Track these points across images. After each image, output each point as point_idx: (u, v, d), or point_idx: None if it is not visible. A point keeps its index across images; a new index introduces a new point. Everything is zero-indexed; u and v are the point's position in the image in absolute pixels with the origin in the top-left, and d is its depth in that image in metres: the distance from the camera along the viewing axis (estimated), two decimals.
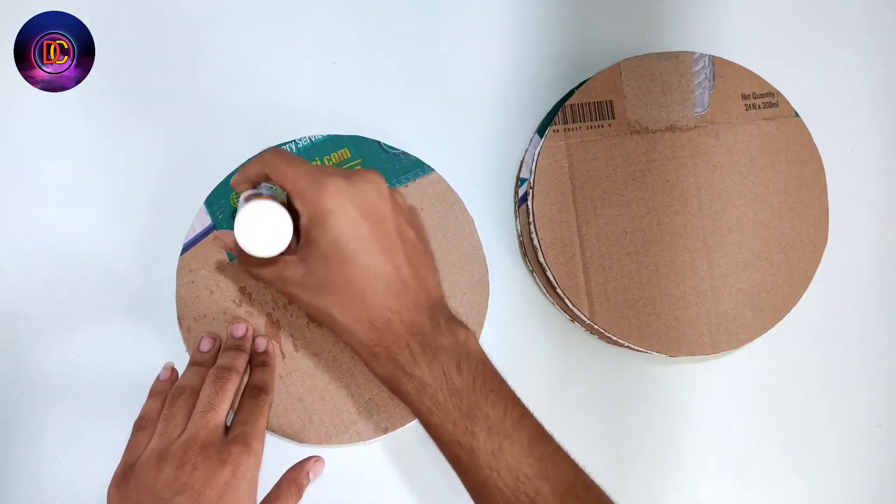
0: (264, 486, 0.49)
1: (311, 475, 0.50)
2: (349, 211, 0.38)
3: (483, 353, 0.40)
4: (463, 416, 0.38)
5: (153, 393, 0.49)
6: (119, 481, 0.43)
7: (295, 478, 0.50)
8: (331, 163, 0.53)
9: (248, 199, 0.39)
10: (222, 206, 0.52)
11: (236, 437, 0.44)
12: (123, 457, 0.45)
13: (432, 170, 0.53)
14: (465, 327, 0.40)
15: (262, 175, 0.41)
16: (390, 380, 0.40)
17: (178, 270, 0.51)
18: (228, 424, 0.46)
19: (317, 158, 0.52)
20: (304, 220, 0.39)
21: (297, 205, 0.39)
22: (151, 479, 0.42)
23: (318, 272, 0.39)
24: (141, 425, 0.46)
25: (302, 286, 0.40)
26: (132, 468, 0.43)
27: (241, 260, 0.42)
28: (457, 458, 0.38)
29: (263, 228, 0.38)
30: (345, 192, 0.38)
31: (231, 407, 0.47)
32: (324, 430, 0.51)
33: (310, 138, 0.53)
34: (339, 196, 0.38)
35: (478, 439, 0.37)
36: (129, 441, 0.46)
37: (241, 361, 0.49)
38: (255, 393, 0.48)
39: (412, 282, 0.39)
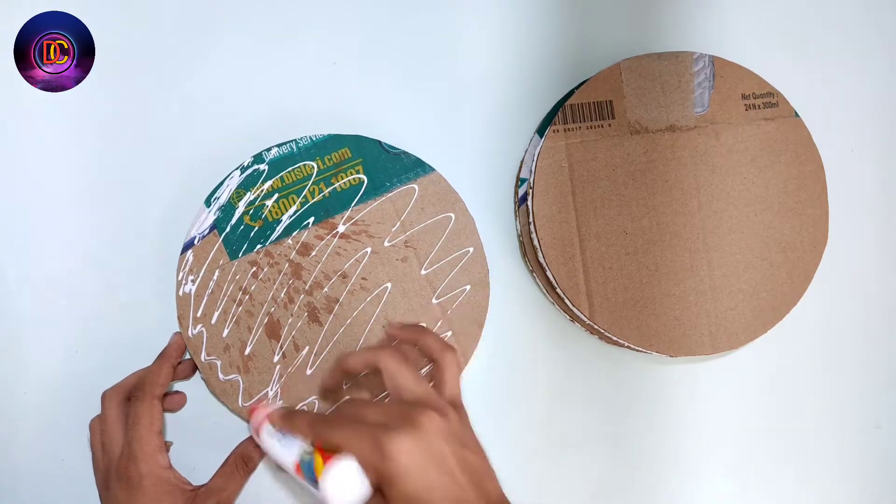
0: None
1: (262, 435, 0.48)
2: (417, 468, 0.38)
3: None
4: None
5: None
6: None
7: (242, 452, 0.50)
8: (331, 162, 0.53)
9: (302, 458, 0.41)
10: (222, 205, 0.52)
11: None
12: None
13: (433, 169, 0.53)
14: None
15: (306, 434, 0.42)
16: None
17: (178, 270, 0.51)
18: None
19: (317, 158, 0.52)
20: (371, 479, 0.39)
21: (360, 465, 0.39)
22: None
23: None
24: None
25: None
26: None
27: None
28: None
29: (348, 488, 0.39)
30: (410, 451, 0.38)
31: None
32: None
33: (311, 138, 0.53)
34: (406, 456, 0.38)
35: None
36: None
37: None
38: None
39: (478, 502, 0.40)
